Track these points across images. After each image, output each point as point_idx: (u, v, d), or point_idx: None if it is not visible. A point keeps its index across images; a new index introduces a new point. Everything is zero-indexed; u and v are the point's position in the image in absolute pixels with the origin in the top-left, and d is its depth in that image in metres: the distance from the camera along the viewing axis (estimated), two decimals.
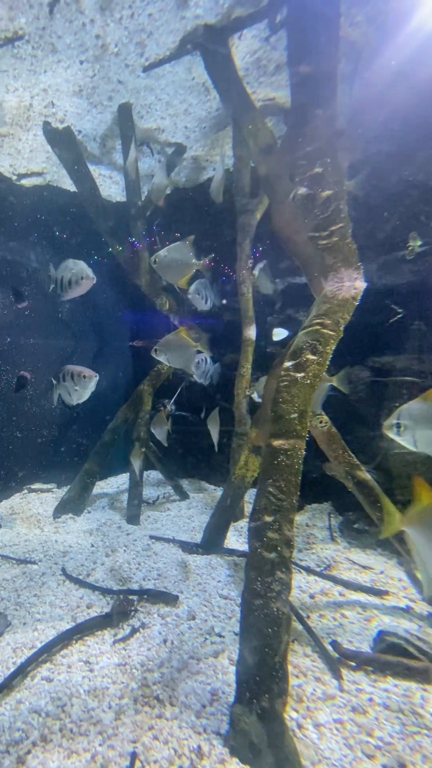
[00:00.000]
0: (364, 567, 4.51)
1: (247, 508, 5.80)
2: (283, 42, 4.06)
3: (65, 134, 5.40)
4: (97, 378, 4.06)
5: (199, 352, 4.34)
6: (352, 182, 3.74)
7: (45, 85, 4.91)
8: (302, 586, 4.13)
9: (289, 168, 3.31)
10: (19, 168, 6.42)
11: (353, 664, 3.08)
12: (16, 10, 3.96)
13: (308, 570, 4.42)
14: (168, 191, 4.18)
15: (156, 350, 4.01)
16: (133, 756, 2.34)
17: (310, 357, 2.87)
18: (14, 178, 6.57)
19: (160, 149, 6.20)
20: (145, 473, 6.43)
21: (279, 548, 2.51)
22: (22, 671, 2.98)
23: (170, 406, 7.44)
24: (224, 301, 7.25)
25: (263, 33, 4.28)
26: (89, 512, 6.33)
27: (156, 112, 5.45)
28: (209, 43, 4.00)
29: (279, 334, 6.00)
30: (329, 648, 3.16)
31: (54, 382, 4.17)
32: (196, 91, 5.05)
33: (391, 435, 2.61)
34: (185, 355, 4.08)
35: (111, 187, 7.10)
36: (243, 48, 4.44)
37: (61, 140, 5.42)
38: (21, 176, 6.57)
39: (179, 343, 4.02)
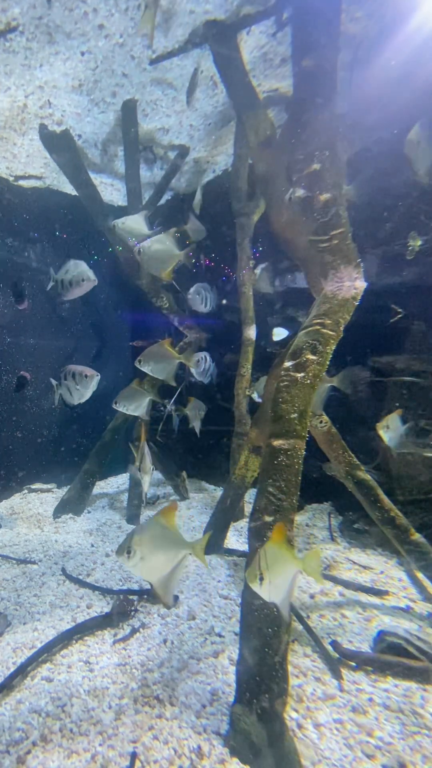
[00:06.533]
0: (364, 567, 4.51)
1: (247, 508, 5.80)
2: (289, 37, 4.01)
3: (63, 138, 5.23)
4: (99, 377, 4.07)
5: (182, 365, 4.41)
6: (350, 188, 3.74)
7: (41, 81, 4.66)
8: (302, 586, 4.13)
9: (287, 165, 3.33)
10: (17, 171, 6.31)
11: (353, 664, 3.08)
12: (10, 0, 3.73)
13: None
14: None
15: (140, 361, 4.07)
16: (133, 756, 2.35)
17: (310, 357, 2.87)
18: (11, 179, 6.50)
19: (163, 154, 6.15)
20: None
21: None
22: (22, 671, 2.98)
23: (170, 407, 7.44)
24: (224, 301, 7.25)
25: (271, 29, 4.27)
26: (89, 512, 6.33)
27: (161, 109, 5.30)
28: (217, 41, 4.00)
29: (279, 334, 6.00)
30: (329, 648, 3.16)
31: (55, 382, 4.17)
32: (204, 85, 4.92)
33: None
34: (168, 366, 4.14)
35: (113, 194, 7.06)
36: (251, 43, 4.40)
37: (59, 145, 5.25)
38: (18, 178, 6.47)
39: (162, 354, 4.08)
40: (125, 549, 2.24)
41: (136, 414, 4.78)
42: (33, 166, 6.20)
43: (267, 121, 3.88)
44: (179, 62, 4.60)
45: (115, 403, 4.60)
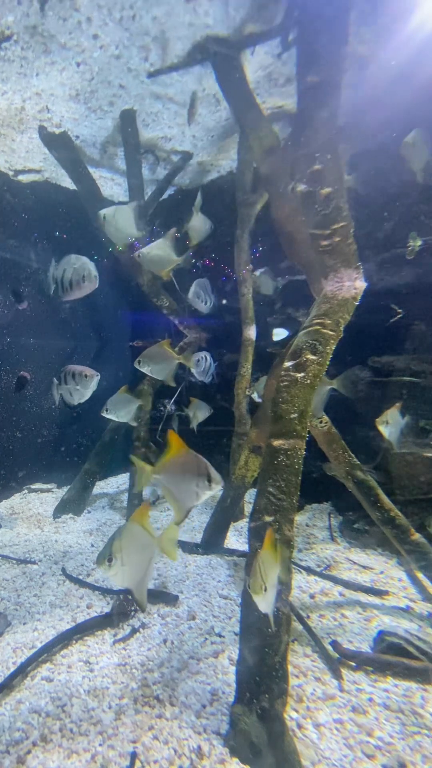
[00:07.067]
0: (364, 567, 4.51)
1: (247, 508, 5.80)
2: (293, 58, 3.89)
3: (62, 138, 5.29)
4: (99, 377, 4.07)
5: (182, 365, 4.42)
6: (351, 177, 3.76)
7: (38, 89, 4.70)
8: (302, 586, 4.13)
9: (290, 165, 3.33)
10: (16, 165, 6.30)
11: (353, 664, 3.08)
12: (2, 7, 3.70)
13: (308, 570, 4.42)
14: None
15: (139, 362, 4.08)
16: (133, 756, 2.35)
17: (310, 357, 2.87)
18: (11, 173, 6.48)
19: (166, 156, 6.15)
20: None
21: (279, 548, 2.51)
22: (22, 671, 2.98)
23: (170, 406, 7.44)
24: (224, 301, 7.25)
25: (275, 50, 4.22)
26: (89, 512, 6.33)
27: (163, 121, 5.32)
28: (220, 59, 3.99)
29: (279, 334, 6.00)
30: (329, 648, 3.16)
31: (55, 382, 4.18)
32: (206, 102, 4.95)
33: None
34: (167, 367, 4.16)
35: (113, 188, 7.08)
36: (255, 63, 4.39)
37: (58, 144, 5.31)
38: (18, 172, 6.45)
39: (162, 355, 4.10)
40: (106, 557, 2.17)
41: (124, 421, 4.83)
42: (32, 160, 6.19)
43: (271, 133, 3.84)
44: (179, 78, 4.58)
45: (106, 410, 4.65)
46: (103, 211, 4.05)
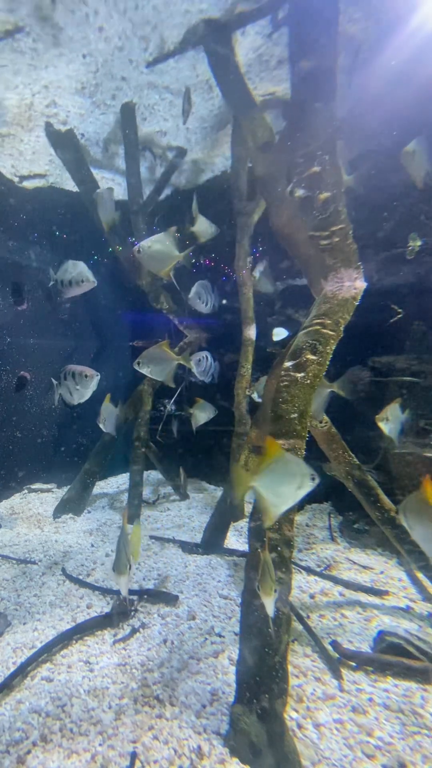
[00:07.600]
0: (364, 567, 4.51)
1: (247, 508, 5.80)
2: (284, 38, 4.00)
3: (67, 137, 5.41)
4: (99, 377, 4.08)
5: (181, 366, 4.45)
6: (351, 177, 3.76)
7: (46, 81, 4.85)
8: (302, 586, 4.13)
9: (287, 167, 3.33)
10: (22, 170, 6.42)
11: (353, 664, 3.08)
12: (16, 1, 3.86)
13: (308, 570, 4.42)
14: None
15: (138, 363, 4.11)
16: (133, 756, 2.35)
17: (310, 357, 2.87)
18: (16, 180, 6.58)
19: (162, 153, 6.22)
20: (145, 473, 6.45)
21: (279, 548, 2.51)
22: (22, 671, 2.98)
23: (170, 406, 7.44)
24: (224, 301, 7.25)
25: (266, 30, 4.28)
26: (89, 512, 6.33)
27: (159, 113, 5.45)
28: (212, 40, 4.02)
29: (279, 334, 6.00)
30: (329, 648, 3.16)
31: (55, 382, 4.18)
32: (200, 89, 5.04)
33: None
34: (167, 367, 4.19)
35: (113, 189, 7.12)
36: (246, 44, 4.44)
37: (64, 142, 5.44)
38: (23, 178, 6.57)
39: (161, 356, 4.12)
40: (128, 565, 2.37)
41: (108, 431, 5.02)
42: (38, 163, 6.33)
43: (264, 124, 3.88)
44: (175, 65, 4.68)
45: (104, 421, 4.84)
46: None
